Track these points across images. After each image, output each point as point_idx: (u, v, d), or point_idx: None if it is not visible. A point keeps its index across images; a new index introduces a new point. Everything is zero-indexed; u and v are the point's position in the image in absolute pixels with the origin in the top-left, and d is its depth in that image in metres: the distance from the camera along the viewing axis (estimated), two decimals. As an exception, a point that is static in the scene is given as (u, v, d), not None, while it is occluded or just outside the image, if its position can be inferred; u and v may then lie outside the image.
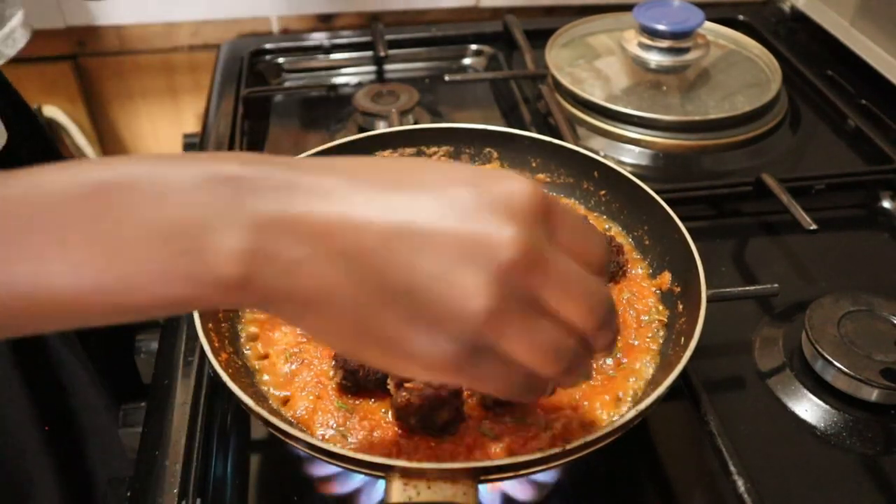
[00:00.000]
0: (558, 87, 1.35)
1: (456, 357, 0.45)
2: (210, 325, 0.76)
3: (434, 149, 1.03)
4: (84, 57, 1.71)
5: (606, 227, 0.94)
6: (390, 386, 0.72)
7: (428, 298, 0.43)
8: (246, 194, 0.42)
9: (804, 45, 1.53)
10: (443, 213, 0.43)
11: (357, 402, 0.74)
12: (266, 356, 0.79)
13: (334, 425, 0.72)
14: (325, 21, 1.71)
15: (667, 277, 0.85)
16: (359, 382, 0.74)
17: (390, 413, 0.72)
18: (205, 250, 0.41)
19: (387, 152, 1.03)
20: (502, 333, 0.45)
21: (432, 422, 0.70)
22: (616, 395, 0.75)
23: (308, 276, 0.43)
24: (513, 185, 0.46)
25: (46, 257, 0.40)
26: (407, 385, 0.69)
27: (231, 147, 1.22)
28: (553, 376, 0.49)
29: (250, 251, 0.42)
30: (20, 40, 1.05)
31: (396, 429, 0.71)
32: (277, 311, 0.45)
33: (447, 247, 0.43)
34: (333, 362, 0.76)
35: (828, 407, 0.84)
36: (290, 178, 0.43)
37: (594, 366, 0.53)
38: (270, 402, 0.75)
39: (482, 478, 0.62)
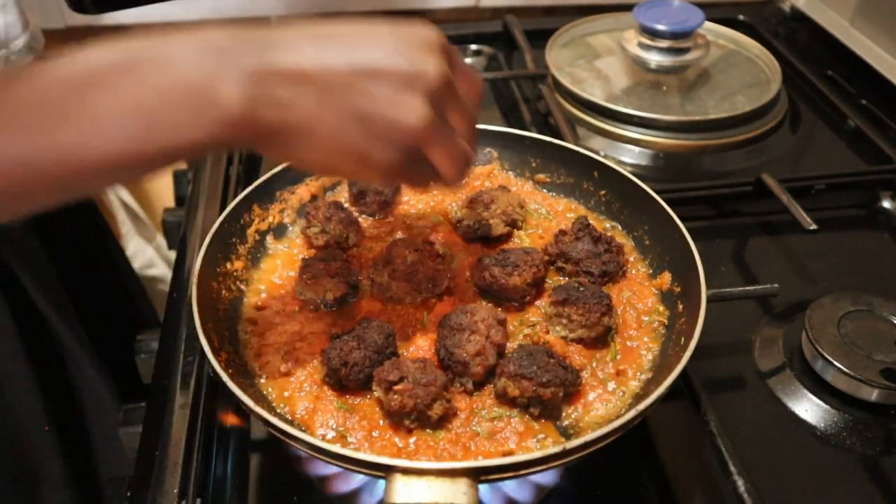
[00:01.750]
0: (558, 87, 1.35)
1: (401, 162, 0.62)
2: (210, 324, 0.76)
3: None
4: (84, 57, 1.70)
5: (606, 226, 0.94)
6: (378, 392, 0.72)
7: (383, 116, 0.59)
8: (237, 55, 0.56)
9: (804, 45, 1.53)
10: (383, 54, 0.59)
11: (357, 401, 0.74)
12: (262, 355, 0.79)
13: (334, 425, 0.72)
14: (325, 21, 1.71)
15: (667, 277, 0.85)
16: (340, 381, 0.74)
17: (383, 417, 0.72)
18: (214, 99, 0.55)
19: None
20: (430, 141, 0.62)
21: (427, 418, 0.70)
22: (615, 394, 0.75)
23: (295, 109, 0.57)
24: (424, 30, 0.62)
25: (95, 125, 0.53)
26: (396, 388, 0.69)
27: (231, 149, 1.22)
28: (450, 178, 0.67)
29: (249, 95, 0.55)
30: (35, 49, 1.06)
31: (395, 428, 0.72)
32: (270, 143, 0.60)
33: (393, 77, 0.59)
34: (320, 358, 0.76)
35: (828, 407, 0.84)
36: (268, 40, 0.58)
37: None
38: (270, 401, 0.75)
39: (482, 478, 0.63)
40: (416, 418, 0.70)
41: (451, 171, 0.67)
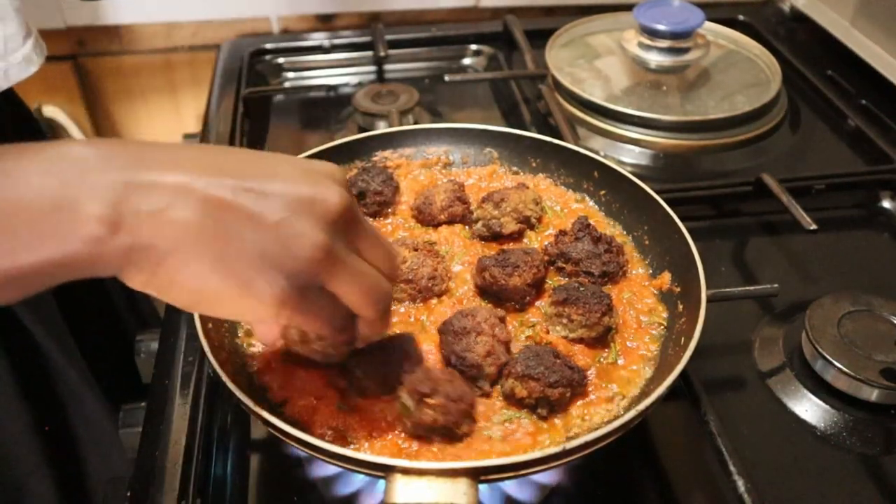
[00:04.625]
0: (558, 87, 1.35)
1: (293, 294, 0.54)
2: (210, 324, 0.76)
3: (433, 149, 1.04)
4: (84, 57, 1.71)
5: (608, 230, 0.94)
6: (408, 402, 0.69)
7: (273, 241, 0.52)
8: (106, 168, 0.49)
9: (804, 45, 1.53)
10: (280, 176, 0.54)
11: (357, 402, 0.74)
12: (262, 354, 0.79)
13: (334, 425, 0.72)
14: (325, 21, 1.71)
15: (667, 278, 0.85)
16: (364, 391, 0.73)
17: (403, 426, 0.70)
18: (77, 212, 0.47)
19: (387, 152, 1.03)
20: (329, 272, 0.55)
21: (453, 434, 0.69)
22: (615, 394, 0.75)
23: (170, 223, 0.49)
24: (328, 165, 0.58)
25: None
26: (429, 402, 0.68)
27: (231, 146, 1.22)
28: (366, 314, 0.60)
29: (118, 206, 0.48)
30: (35, 61, 1.06)
31: (397, 430, 0.71)
32: (139, 265, 0.50)
33: (288, 200, 0.53)
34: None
35: (828, 407, 0.84)
36: (144, 152, 0.51)
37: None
38: (270, 401, 0.75)
39: (482, 478, 0.62)
40: (442, 432, 0.69)
41: (363, 304, 0.59)
